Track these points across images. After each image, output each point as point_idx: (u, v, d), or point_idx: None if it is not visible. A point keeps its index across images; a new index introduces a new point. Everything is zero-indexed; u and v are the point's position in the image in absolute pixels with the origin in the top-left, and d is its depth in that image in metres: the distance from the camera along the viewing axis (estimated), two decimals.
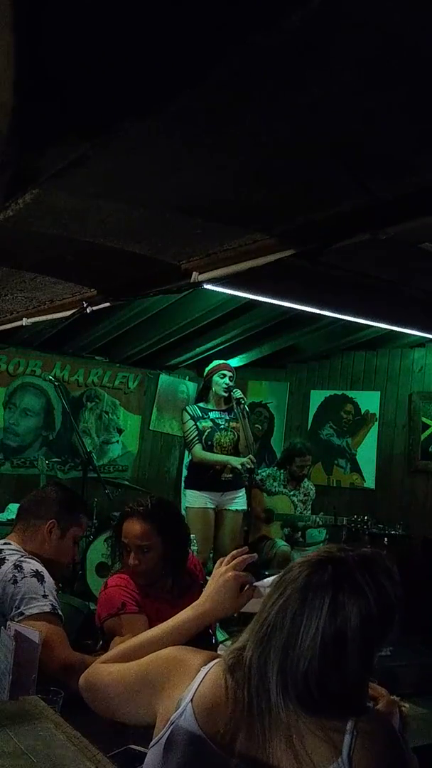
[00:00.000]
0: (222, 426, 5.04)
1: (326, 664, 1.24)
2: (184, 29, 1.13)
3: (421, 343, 5.81)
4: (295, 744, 1.21)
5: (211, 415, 5.06)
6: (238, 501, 5.08)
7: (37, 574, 2.14)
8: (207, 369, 5.22)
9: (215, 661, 1.37)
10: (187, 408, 5.16)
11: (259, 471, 5.37)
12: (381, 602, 1.29)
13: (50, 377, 5.65)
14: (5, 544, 2.32)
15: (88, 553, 5.13)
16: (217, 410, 5.09)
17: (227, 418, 5.08)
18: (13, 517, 5.57)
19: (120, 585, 2.42)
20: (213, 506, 4.99)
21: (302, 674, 1.24)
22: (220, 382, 5.02)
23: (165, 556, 2.44)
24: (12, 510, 5.47)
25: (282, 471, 5.60)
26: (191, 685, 1.33)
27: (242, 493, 5.08)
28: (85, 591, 4.95)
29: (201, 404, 5.13)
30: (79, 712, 1.71)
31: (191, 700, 1.30)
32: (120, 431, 6.50)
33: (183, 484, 5.36)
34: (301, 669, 1.24)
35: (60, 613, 2.11)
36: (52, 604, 2.09)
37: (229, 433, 5.04)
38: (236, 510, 5.06)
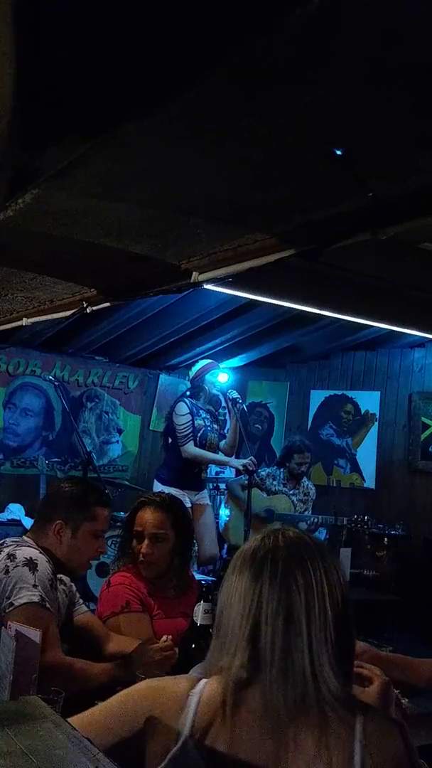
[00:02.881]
0: (208, 426, 5.08)
1: (343, 626, 1.23)
2: (184, 29, 1.13)
3: (421, 343, 5.81)
4: (320, 747, 1.17)
5: (202, 413, 5.09)
6: (206, 496, 5.22)
7: (29, 563, 2.09)
8: (195, 369, 5.21)
9: (203, 682, 1.29)
10: (186, 400, 5.09)
11: (258, 470, 5.39)
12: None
13: (50, 377, 5.65)
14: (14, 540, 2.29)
15: None
16: (204, 409, 5.13)
17: (212, 419, 5.13)
18: (14, 517, 5.59)
19: (124, 583, 2.43)
20: (190, 505, 4.98)
21: (330, 644, 1.21)
22: (213, 381, 5.04)
23: (174, 551, 2.46)
24: (12, 510, 5.48)
25: (282, 470, 5.61)
26: (185, 716, 1.24)
27: (206, 490, 5.26)
28: (85, 591, 4.95)
29: (194, 401, 5.12)
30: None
31: (190, 733, 1.23)
32: (120, 431, 6.50)
33: (157, 480, 5.16)
34: (328, 637, 1.21)
35: (49, 606, 2.06)
36: (41, 595, 2.03)
37: (215, 433, 5.09)
38: (207, 503, 5.17)
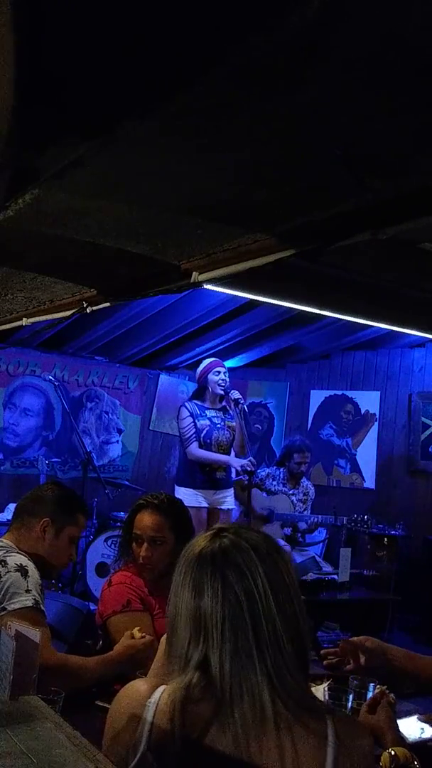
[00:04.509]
0: (219, 425, 5.06)
1: (295, 629, 1.22)
2: (183, 29, 1.13)
3: (421, 343, 5.82)
4: (288, 758, 1.15)
5: (209, 413, 5.08)
6: (229, 500, 5.12)
7: (21, 569, 2.13)
8: (199, 369, 5.22)
9: (161, 689, 1.24)
10: (186, 404, 5.13)
11: (258, 471, 5.39)
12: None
13: (50, 377, 5.66)
14: None
15: (87, 553, 5.14)
16: (213, 409, 5.12)
17: (223, 416, 5.11)
18: None
19: (125, 583, 2.43)
20: (206, 505, 4.99)
21: (285, 651, 1.19)
22: (216, 380, 5.04)
23: (174, 553, 2.46)
24: (12, 510, 5.48)
25: (281, 470, 5.61)
26: (142, 726, 1.21)
27: (231, 491, 5.13)
28: (84, 591, 4.96)
29: (198, 402, 5.13)
30: (79, 712, 1.71)
31: (148, 747, 1.19)
32: (120, 431, 6.51)
33: (175, 481, 5.28)
34: (282, 645, 1.19)
35: (43, 608, 2.11)
36: (34, 599, 2.08)
37: (225, 431, 5.07)
38: (228, 509, 5.10)
